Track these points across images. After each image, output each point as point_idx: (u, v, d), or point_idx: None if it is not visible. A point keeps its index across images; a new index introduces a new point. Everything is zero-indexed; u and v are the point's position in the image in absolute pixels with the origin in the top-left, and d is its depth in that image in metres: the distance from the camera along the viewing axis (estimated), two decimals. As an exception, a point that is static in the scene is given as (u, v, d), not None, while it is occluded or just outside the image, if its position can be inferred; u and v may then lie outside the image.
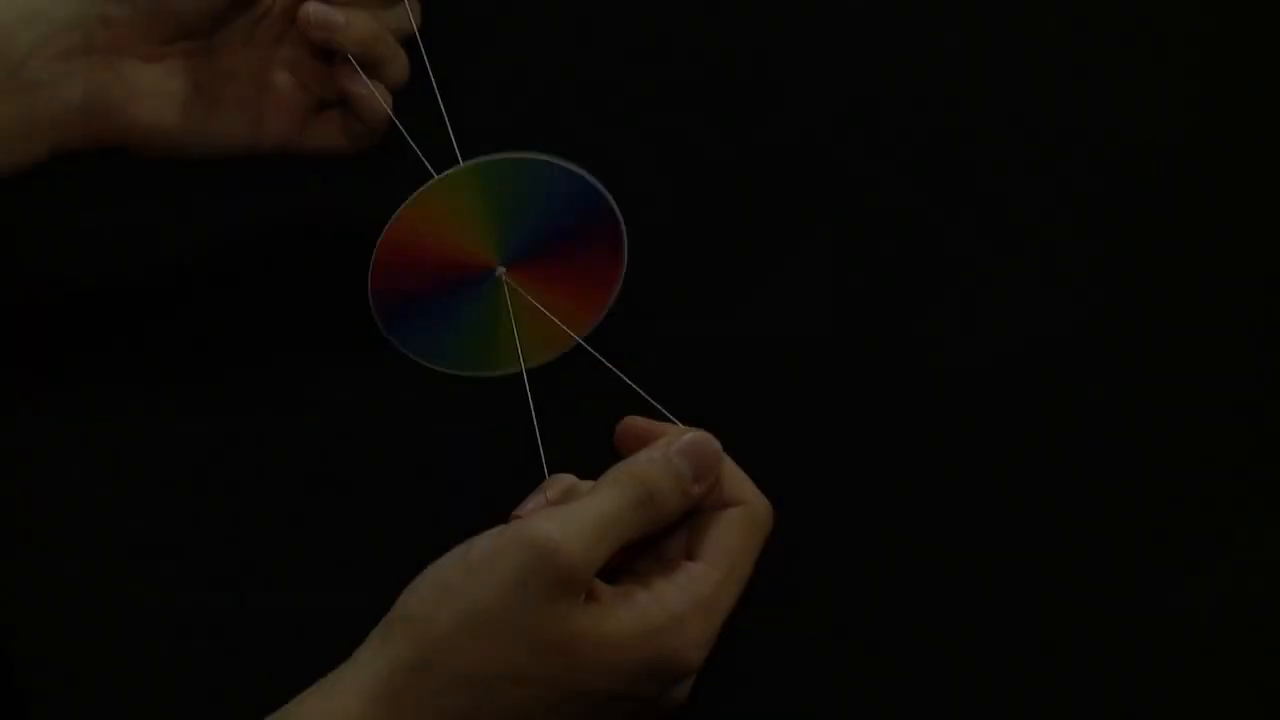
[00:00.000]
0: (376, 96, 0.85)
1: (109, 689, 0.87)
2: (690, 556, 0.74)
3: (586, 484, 0.76)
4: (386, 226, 0.78)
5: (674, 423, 0.76)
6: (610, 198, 0.79)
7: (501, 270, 0.80)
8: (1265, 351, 0.96)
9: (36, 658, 0.87)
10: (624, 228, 0.79)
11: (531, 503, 0.77)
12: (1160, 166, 1.00)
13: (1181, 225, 0.99)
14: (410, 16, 0.86)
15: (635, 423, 0.77)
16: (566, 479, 0.77)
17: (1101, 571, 0.91)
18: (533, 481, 0.77)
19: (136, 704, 0.87)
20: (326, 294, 0.96)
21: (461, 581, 0.71)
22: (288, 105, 0.87)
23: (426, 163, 0.79)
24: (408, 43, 0.86)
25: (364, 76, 0.85)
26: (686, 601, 0.71)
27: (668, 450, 0.73)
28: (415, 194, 0.78)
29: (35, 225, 0.97)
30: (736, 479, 0.75)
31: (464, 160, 0.78)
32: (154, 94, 0.84)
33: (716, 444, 0.74)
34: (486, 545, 0.71)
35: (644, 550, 0.76)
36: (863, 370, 0.95)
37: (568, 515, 0.71)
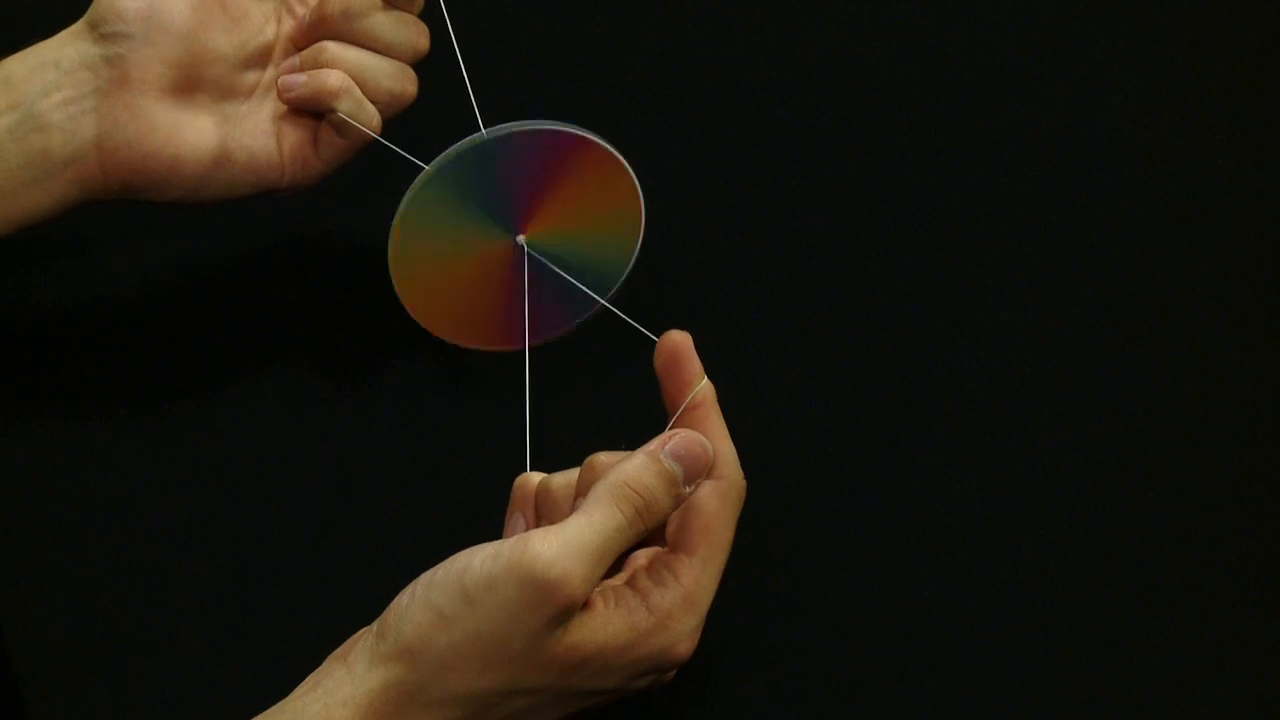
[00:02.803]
0: (359, 126, 0.86)
1: (108, 689, 0.88)
2: (671, 544, 0.75)
3: (559, 476, 0.77)
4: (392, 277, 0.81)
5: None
6: (570, 128, 0.79)
7: (521, 239, 0.82)
8: (1267, 351, 0.96)
9: (36, 657, 0.88)
10: (606, 145, 0.80)
11: (516, 524, 0.78)
12: (1159, 167, 1.00)
13: (1181, 225, 0.99)
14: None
15: (675, 338, 0.77)
16: (535, 477, 0.78)
17: (1103, 571, 0.91)
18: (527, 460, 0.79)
19: (136, 704, 0.87)
20: (321, 294, 0.97)
21: (458, 609, 0.71)
22: (300, 126, 0.87)
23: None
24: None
25: (349, 120, 0.85)
26: (671, 599, 0.73)
27: (660, 453, 0.74)
28: (392, 226, 0.80)
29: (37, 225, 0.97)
30: (718, 448, 0.76)
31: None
32: (170, 126, 0.84)
33: (706, 442, 0.75)
34: (482, 571, 0.71)
35: None
36: (862, 369, 0.95)
37: (566, 540, 0.71)
